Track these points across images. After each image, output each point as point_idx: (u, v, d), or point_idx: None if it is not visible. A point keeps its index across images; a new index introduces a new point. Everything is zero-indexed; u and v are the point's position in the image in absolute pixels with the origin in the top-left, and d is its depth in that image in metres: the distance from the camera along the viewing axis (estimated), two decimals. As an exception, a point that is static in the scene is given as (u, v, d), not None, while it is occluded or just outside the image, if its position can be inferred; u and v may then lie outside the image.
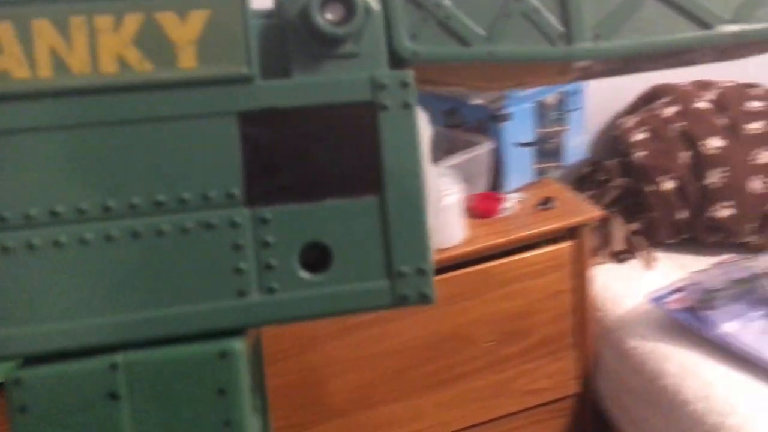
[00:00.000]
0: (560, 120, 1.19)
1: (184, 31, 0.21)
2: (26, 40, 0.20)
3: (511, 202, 1.13)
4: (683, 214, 1.20)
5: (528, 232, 1.06)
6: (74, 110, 0.20)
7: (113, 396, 0.20)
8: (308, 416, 1.03)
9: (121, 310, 0.20)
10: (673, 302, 1.06)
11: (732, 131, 1.19)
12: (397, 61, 0.24)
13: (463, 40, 0.26)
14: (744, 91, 1.26)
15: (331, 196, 0.22)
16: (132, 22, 0.20)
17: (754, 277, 1.05)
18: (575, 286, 1.12)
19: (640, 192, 1.22)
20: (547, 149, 1.20)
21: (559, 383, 1.17)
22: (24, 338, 0.20)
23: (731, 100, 1.23)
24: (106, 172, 0.21)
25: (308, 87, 0.22)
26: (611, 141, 1.36)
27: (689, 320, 1.03)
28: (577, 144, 1.24)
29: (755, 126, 1.18)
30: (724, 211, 1.16)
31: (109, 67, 0.20)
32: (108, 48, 0.20)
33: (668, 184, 1.19)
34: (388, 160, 0.23)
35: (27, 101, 0.20)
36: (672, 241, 1.24)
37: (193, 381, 0.21)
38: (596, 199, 1.32)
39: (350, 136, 0.23)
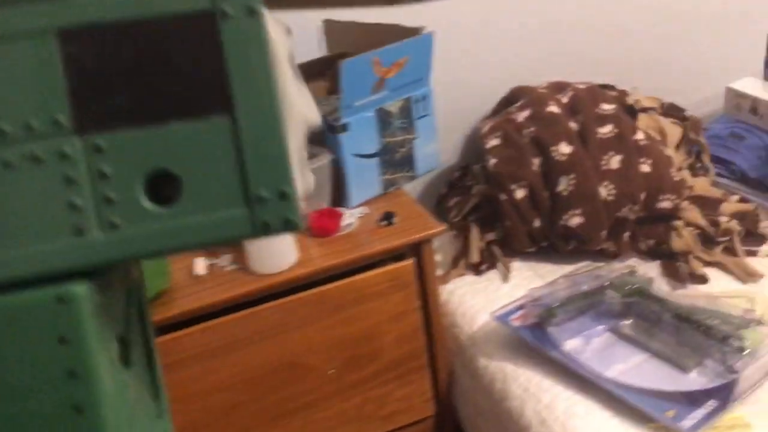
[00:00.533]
0: (407, 128, 1.13)
1: None
2: None
3: (352, 218, 1.06)
4: (537, 223, 1.15)
5: (365, 252, 0.99)
6: None
7: None
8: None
9: None
10: (517, 319, 1.01)
11: (582, 136, 1.16)
12: None
13: None
14: (598, 93, 1.23)
15: (174, 118, 0.20)
16: None
17: (600, 289, 1.01)
18: (422, 304, 1.06)
19: (495, 200, 1.17)
20: (394, 159, 1.13)
21: (413, 406, 1.11)
22: None
23: (584, 103, 1.20)
24: None
25: None
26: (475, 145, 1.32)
27: (532, 338, 0.99)
28: (429, 152, 1.18)
29: (605, 130, 1.15)
30: (574, 219, 1.12)
31: None
32: None
33: (520, 193, 1.15)
34: (236, 74, 0.20)
35: None
36: (530, 250, 1.19)
37: (31, 329, 0.19)
38: (459, 207, 1.27)
39: (190, 50, 0.20)
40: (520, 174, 1.14)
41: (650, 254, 1.17)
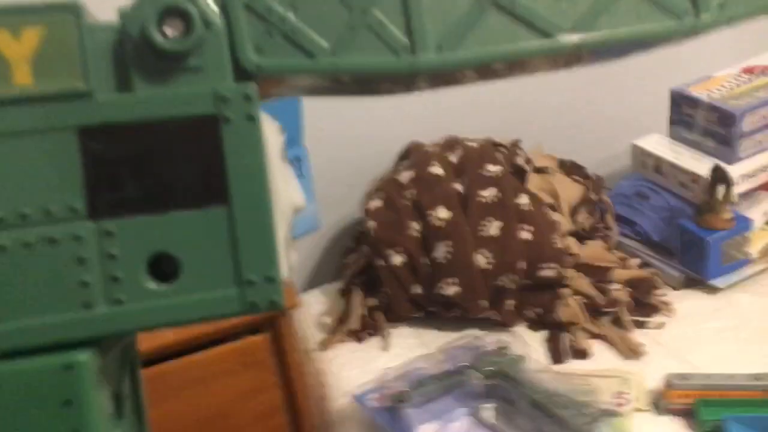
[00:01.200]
0: (277, 191, 1.07)
1: (19, 48, 0.20)
2: None
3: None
4: (417, 290, 1.10)
5: (211, 327, 0.93)
6: None
7: None
8: None
9: None
10: (375, 399, 0.95)
11: (464, 200, 1.10)
12: (242, 74, 0.24)
13: (308, 53, 0.26)
14: (487, 152, 1.17)
15: (176, 207, 0.22)
16: None
17: (463, 369, 0.95)
18: (283, 381, 1.00)
19: (375, 266, 1.11)
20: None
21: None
22: None
23: (471, 163, 1.15)
24: None
25: (149, 101, 0.22)
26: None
27: (387, 420, 0.92)
28: (306, 214, 1.13)
29: (487, 194, 1.09)
30: (450, 288, 1.06)
31: None
32: None
33: (398, 259, 1.09)
34: (233, 171, 0.23)
35: None
36: (416, 315, 1.14)
37: (39, 393, 0.21)
38: (349, 268, 1.22)
39: (194, 149, 0.23)
40: (398, 239, 1.09)
41: (538, 323, 1.11)
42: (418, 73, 0.31)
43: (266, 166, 0.25)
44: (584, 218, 1.23)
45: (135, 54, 0.22)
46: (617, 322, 1.09)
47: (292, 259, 0.29)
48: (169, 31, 0.22)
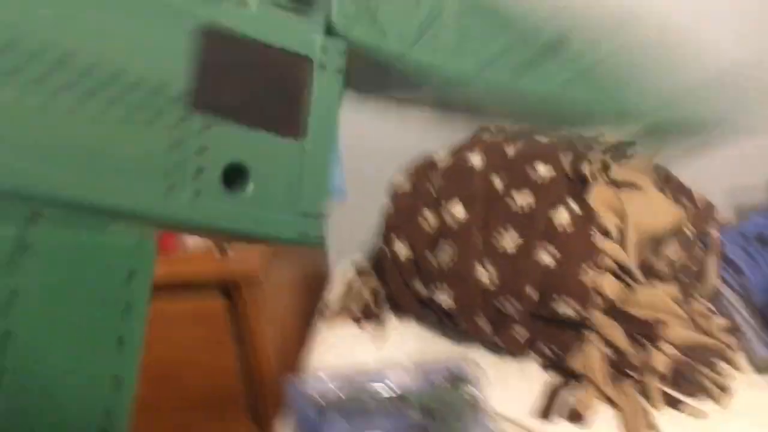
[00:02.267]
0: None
1: None
2: None
3: (195, 239, 0.99)
4: (419, 287, 0.97)
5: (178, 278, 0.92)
6: None
7: (22, 248, 0.20)
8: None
9: (54, 164, 0.20)
10: (308, 392, 0.87)
11: (492, 199, 0.94)
12: (331, 32, 0.26)
13: (384, 35, 0.27)
14: (552, 148, 0.98)
15: (263, 127, 0.24)
16: None
17: (405, 396, 0.83)
18: (237, 346, 0.96)
19: (382, 252, 1.01)
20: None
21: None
22: None
23: (523, 158, 0.97)
24: (95, 38, 0.21)
25: (266, 24, 0.24)
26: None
27: (304, 420, 0.84)
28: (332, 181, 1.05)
29: (520, 199, 0.91)
30: (443, 296, 0.92)
31: None
32: None
33: (402, 250, 0.97)
34: (315, 113, 0.25)
35: None
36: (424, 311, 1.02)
37: (110, 262, 0.21)
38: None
39: (290, 83, 0.25)
40: (408, 229, 0.97)
41: (550, 363, 0.93)
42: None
43: (338, 116, 0.26)
44: (674, 253, 0.97)
45: None
46: (646, 391, 0.86)
47: None
48: None
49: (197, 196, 0.23)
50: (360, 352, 1.00)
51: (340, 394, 0.82)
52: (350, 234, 1.21)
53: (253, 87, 0.24)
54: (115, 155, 0.22)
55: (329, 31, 0.26)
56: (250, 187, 0.25)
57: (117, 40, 0.21)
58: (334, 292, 1.13)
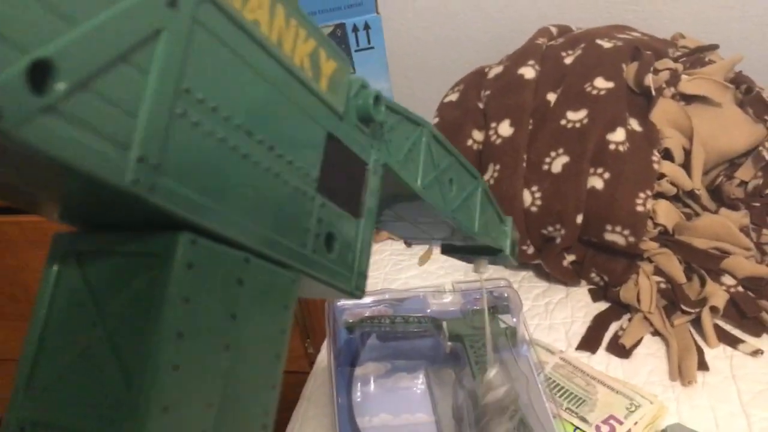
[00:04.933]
0: (339, 61, 0.96)
1: (327, 67, 0.30)
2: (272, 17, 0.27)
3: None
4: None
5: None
6: (261, 59, 0.26)
7: (240, 282, 0.25)
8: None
9: (250, 219, 0.26)
10: (353, 315, 0.87)
11: (543, 116, 0.87)
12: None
13: (391, 156, 0.37)
14: (616, 57, 0.89)
15: (347, 209, 0.32)
16: (309, 45, 0.29)
17: (436, 322, 0.81)
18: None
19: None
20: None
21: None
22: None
23: (581, 68, 0.88)
24: (271, 116, 0.27)
25: (352, 137, 0.32)
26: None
27: (343, 341, 0.84)
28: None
29: (575, 116, 0.84)
30: (486, 221, 0.87)
31: (297, 59, 0.28)
32: (300, 51, 0.28)
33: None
34: (366, 201, 0.34)
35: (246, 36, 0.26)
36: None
37: (274, 293, 0.27)
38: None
39: (357, 180, 0.33)
40: (457, 139, 0.91)
41: (600, 292, 0.88)
42: None
43: (376, 206, 0.35)
44: (748, 174, 0.89)
45: (352, 107, 0.32)
46: (697, 325, 0.80)
47: None
48: (374, 110, 0.33)
49: (314, 252, 0.30)
50: (405, 272, 0.98)
51: (377, 316, 0.81)
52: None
53: (342, 180, 0.32)
54: (280, 215, 0.28)
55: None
56: (336, 249, 0.32)
57: (287, 133, 0.28)
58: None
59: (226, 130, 0.24)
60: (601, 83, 0.84)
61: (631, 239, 0.79)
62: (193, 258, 0.23)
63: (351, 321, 0.82)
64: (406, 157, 0.39)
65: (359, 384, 0.78)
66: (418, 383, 0.78)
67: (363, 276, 0.34)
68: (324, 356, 0.88)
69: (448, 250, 0.58)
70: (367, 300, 0.87)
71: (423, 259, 0.97)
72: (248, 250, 0.26)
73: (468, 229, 0.48)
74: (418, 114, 0.39)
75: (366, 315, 0.84)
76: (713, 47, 0.96)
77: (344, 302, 0.87)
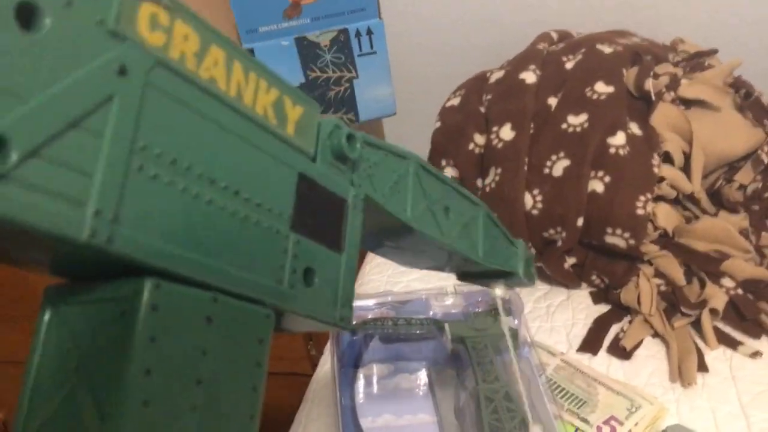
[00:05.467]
0: (342, 64, 0.97)
1: (293, 113, 0.32)
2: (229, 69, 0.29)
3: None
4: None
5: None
6: (221, 113, 0.28)
7: (209, 320, 0.26)
8: None
9: (213, 256, 0.27)
10: (356, 317, 0.87)
11: (543, 121, 0.88)
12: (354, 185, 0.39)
13: (375, 191, 0.39)
14: (616, 62, 0.90)
15: (324, 244, 0.33)
16: (272, 95, 0.31)
17: (443, 323, 0.82)
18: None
19: (429, 172, 0.97)
20: (326, 97, 1.00)
21: (285, 357, 1.06)
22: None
23: (580, 73, 0.89)
24: (239, 168, 0.29)
25: (326, 176, 0.34)
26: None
27: (346, 343, 0.85)
28: (379, 96, 1.01)
29: (574, 120, 0.85)
30: (488, 224, 0.88)
31: (259, 109, 0.30)
32: (262, 102, 0.30)
33: (449, 172, 0.94)
34: (348, 236, 0.35)
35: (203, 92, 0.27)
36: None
37: (246, 328, 0.28)
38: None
39: (336, 215, 0.35)
40: (455, 151, 0.92)
41: (601, 295, 0.89)
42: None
43: (359, 239, 0.36)
44: (747, 178, 0.89)
45: (325, 146, 0.34)
46: (697, 327, 0.81)
47: None
48: (346, 146, 0.35)
49: (292, 288, 0.31)
50: (408, 275, 0.99)
51: (380, 318, 0.82)
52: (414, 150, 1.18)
53: (319, 216, 0.33)
54: (251, 255, 0.29)
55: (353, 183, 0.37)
56: (316, 283, 0.33)
57: (254, 178, 0.29)
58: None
59: (186, 180, 0.25)
60: (602, 88, 0.85)
61: (632, 242, 0.80)
62: (158, 300, 0.24)
63: (354, 323, 0.83)
64: (392, 189, 0.40)
65: (362, 385, 0.78)
66: (421, 384, 0.79)
67: (348, 307, 0.35)
68: (327, 358, 0.89)
69: (463, 276, 0.59)
70: (370, 302, 0.88)
71: (425, 262, 0.98)
72: (217, 289, 0.27)
73: (471, 255, 0.49)
74: (405, 148, 0.41)
75: (369, 317, 0.85)
76: (712, 52, 0.97)
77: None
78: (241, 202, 0.28)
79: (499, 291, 0.62)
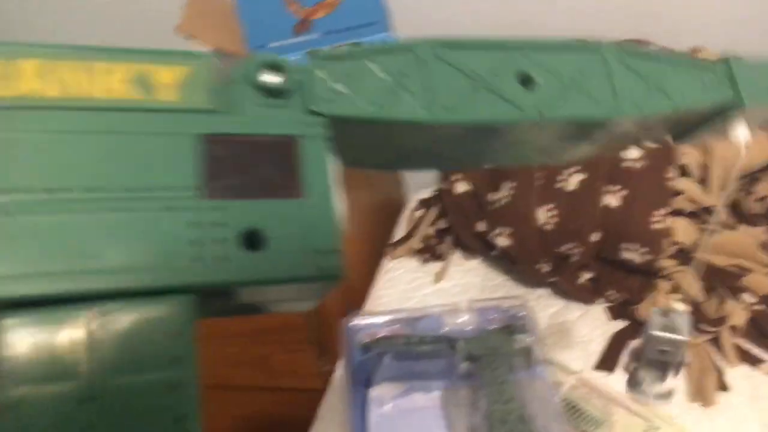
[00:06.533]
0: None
1: (170, 76, 0.30)
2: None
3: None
4: (482, 227, 0.93)
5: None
6: (90, 120, 0.28)
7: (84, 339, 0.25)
8: None
9: (94, 263, 0.26)
10: (366, 334, 0.87)
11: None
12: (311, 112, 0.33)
13: (355, 104, 0.33)
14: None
15: (265, 196, 0.29)
16: (124, 72, 0.29)
17: (456, 342, 0.80)
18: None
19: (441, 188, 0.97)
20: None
21: (298, 373, 1.06)
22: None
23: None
24: (97, 162, 0.27)
25: (254, 122, 0.31)
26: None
27: (358, 361, 0.84)
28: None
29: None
30: (502, 239, 0.87)
31: (118, 93, 0.29)
32: (118, 82, 0.29)
33: (461, 187, 0.93)
34: (306, 175, 0.30)
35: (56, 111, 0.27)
36: (492, 253, 0.98)
37: (149, 326, 0.26)
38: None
39: (281, 157, 0.30)
40: (467, 164, 0.91)
41: (618, 310, 0.87)
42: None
43: (329, 174, 0.31)
44: (766, 189, 0.88)
45: (243, 90, 0.31)
46: (716, 344, 0.79)
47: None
48: (268, 78, 0.31)
49: (223, 260, 0.27)
50: (421, 290, 0.98)
51: (392, 336, 0.81)
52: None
53: (252, 170, 0.29)
54: (145, 242, 0.26)
55: (310, 111, 0.32)
56: (270, 243, 0.29)
57: (133, 166, 0.27)
58: (401, 227, 1.11)
59: (29, 198, 0.25)
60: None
61: (648, 257, 0.79)
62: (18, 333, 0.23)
63: (366, 341, 0.82)
64: (391, 90, 0.33)
65: (375, 404, 0.77)
66: (434, 403, 0.77)
67: (330, 255, 0.30)
68: (339, 375, 0.88)
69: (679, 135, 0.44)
70: (382, 319, 0.87)
71: (439, 277, 0.97)
72: (103, 296, 0.25)
73: (605, 108, 0.35)
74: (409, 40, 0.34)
75: (381, 335, 0.84)
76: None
77: (359, 322, 0.87)
78: (108, 199, 0.26)
79: (741, 131, 0.40)
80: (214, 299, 0.29)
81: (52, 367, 0.24)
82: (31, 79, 0.27)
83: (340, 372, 0.90)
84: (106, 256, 0.26)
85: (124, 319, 0.25)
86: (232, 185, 0.29)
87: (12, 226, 0.25)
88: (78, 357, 0.24)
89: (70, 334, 0.24)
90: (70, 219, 0.26)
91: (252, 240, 0.29)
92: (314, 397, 0.93)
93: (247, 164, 0.30)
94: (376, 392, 0.78)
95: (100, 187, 0.27)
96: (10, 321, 0.24)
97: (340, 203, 0.32)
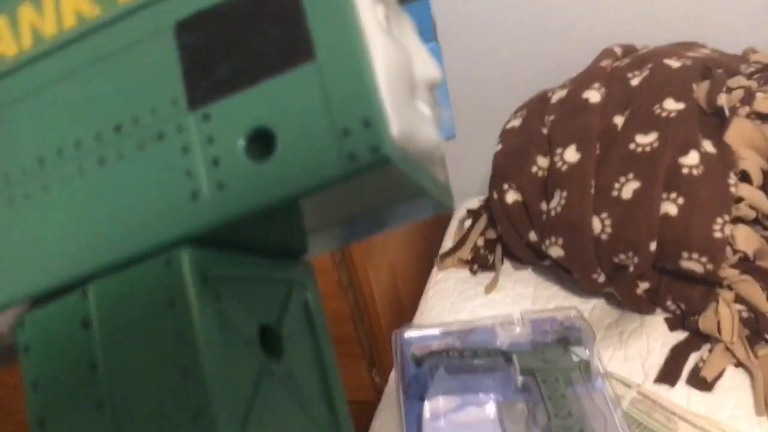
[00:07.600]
0: (400, 91, 0.96)
1: None
2: (15, 25, 0.24)
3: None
4: (533, 237, 0.92)
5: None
6: (49, 69, 0.24)
7: (86, 324, 0.21)
8: None
9: (89, 239, 0.22)
10: (416, 348, 0.86)
11: (609, 141, 0.85)
12: None
13: None
14: (686, 77, 0.87)
15: (266, 75, 0.21)
16: None
17: (506, 354, 0.79)
18: (352, 295, 0.96)
19: (490, 198, 0.96)
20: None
21: (350, 385, 1.05)
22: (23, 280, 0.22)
23: (648, 90, 0.86)
24: (75, 114, 0.23)
25: None
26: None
27: (411, 374, 0.83)
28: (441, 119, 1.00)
29: (643, 139, 0.82)
30: (554, 249, 0.86)
31: (70, 22, 0.24)
32: (68, 7, 0.24)
33: (512, 196, 0.92)
34: (315, 27, 0.21)
35: (16, 73, 0.24)
36: (544, 263, 0.97)
37: (144, 295, 0.21)
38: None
39: (276, 15, 0.22)
40: (517, 175, 0.90)
41: (677, 321, 0.85)
42: None
43: (351, 17, 0.21)
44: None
45: None
46: (786, 357, 0.76)
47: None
48: None
49: (221, 188, 0.21)
50: (471, 300, 0.96)
51: (445, 349, 0.80)
52: (474, 175, 1.16)
53: (241, 46, 0.22)
54: (138, 195, 0.21)
55: None
56: (283, 138, 0.21)
57: (114, 100, 0.22)
58: (449, 237, 1.10)
59: (26, 179, 0.22)
60: (671, 105, 0.82)
61: (709, 267, 0.76)
62: (29, 339, 0.22)
63: (419, 354, 0.81)
64: None
65: (429, 419, 0.76)
66: (490, 418, 0.76)
67: (364, 130, 0.20)
68: (391, 388, 0.88)
69: None
70: (434, 332, 0.86)
71: (489, 288, 0.95)
72: (91, 276, 0.21)
73: None
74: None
75: (434, 348, 0.83)
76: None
77: (411, 334, 0.86)
78: (95, 153, 0.22)
79: None
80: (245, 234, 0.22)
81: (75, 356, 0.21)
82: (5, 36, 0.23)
83: (392, 385, 0.89)
84: (92, 230, 0.22)
85: (115, 297, 0.21)
86: (220, 78, 0.22)
87: (10, 218, 0.22)
88: (77, 358, 0.21)
89: (65, 329, 0.21)
90: (65, 191, 0.22)
91: (257, 146, 0.22)
92: (366, 409, 0.93)
93: (234, 41, 0.22)
94: (430, 406, 0.77)
95: (88, 144, 0.22)
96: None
97: (374, 55, 0.22)
